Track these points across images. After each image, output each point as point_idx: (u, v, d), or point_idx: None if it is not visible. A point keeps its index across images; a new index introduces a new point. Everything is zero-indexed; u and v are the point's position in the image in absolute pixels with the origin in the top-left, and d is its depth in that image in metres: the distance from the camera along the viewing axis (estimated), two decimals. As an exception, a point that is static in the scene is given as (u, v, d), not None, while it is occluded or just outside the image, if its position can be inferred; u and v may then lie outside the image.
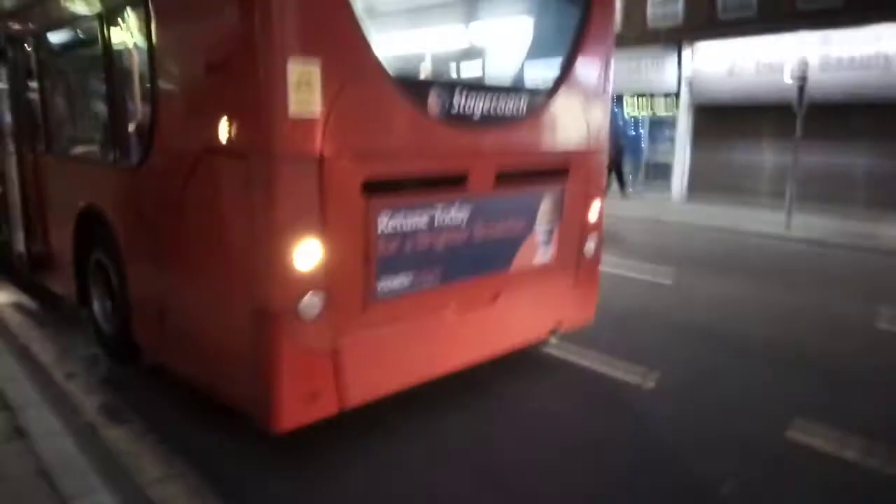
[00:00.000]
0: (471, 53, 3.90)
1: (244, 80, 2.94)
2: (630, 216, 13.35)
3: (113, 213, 4.37)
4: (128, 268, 4.27)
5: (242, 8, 2.93)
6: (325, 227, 3.07)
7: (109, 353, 4.81)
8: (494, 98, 3.87)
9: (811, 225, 13.18)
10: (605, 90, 4.65)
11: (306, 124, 2.94)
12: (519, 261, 4.23)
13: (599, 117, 4.65)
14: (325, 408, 3.30)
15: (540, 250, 4.37)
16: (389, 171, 3.38)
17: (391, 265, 3.45)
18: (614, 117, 18.57)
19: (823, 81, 14.13)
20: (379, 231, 3.33)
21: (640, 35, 18.38)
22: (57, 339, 5.21)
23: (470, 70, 3.91)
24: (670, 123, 18.59)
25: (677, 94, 18.03)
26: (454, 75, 3.92)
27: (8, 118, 6.00)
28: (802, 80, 12.99)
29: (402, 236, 3.46)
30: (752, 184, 16.66)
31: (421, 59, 4.28)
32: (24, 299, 6.34)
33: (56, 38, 5.04)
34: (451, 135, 3.65)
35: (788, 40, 15.36)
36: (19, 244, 6.24)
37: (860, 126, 14.96)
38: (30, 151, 5.74)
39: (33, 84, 5.48)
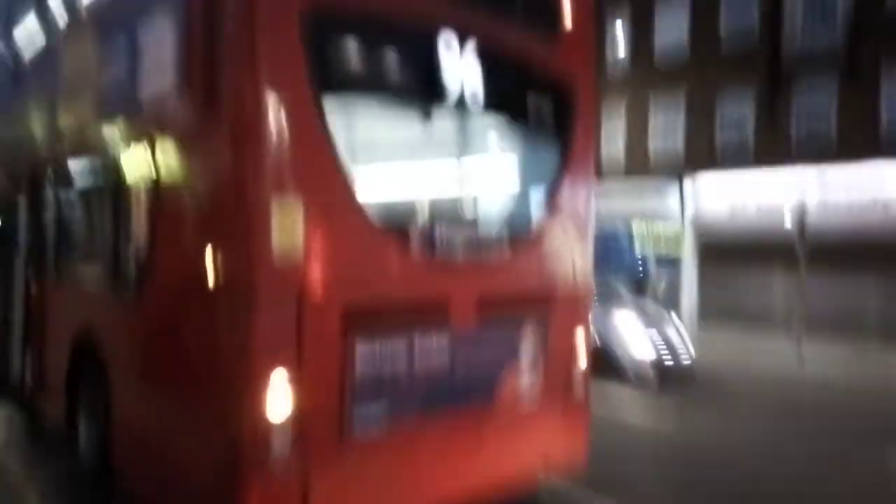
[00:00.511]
0: (452, 192, 4.12)
1: (231, 222, 3.12)
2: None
3: (105, 337, 4.44)
4: (114, 391, 4.28)
5: (233, 155, 3.17)
6: (301, 366, 3.09)
7: (88, 479, 4.69)
8: (476, 236, 4.02)
9: (825, 362, 12.90)
10: (587, 229, 4.78)
11: (289, 266, 3.06)
12: (502, 399, 4.17)
13: (582, 256, 4.74)
14: None
15: (524, 389, 4.31)
16: (369, 310, 3.44)
17: (368, 401, 3.42)
18: (622, 251, 18.97)
19: (824, 225, 14.48)
20: (357, 368, 3.34)
21: (644, 172, 19.31)
22: (39, 466, 5.11)
23: (452, 209, 4.10)
24: (677, 260, 18.90)
25: (682, 235, 18.50)
26: (436, 214, 4.12)
27: (21, 246, 6.31)
28: (802, 225, 13.28)
29: (381, 372, 3.46)
30: (762, 319, 16.61)
31: (403, 199, 4.50)
32: (14, 423, 6.29)
33: (71, 172, 5.41)
34: (432, 272, 3.76)
35: (786, 177, 15.97)
36: (16, 366, 6.30)
37: (866, 264, 15.12)
38: (36, 276, 5.95)
39: (46, 215, 5.80)
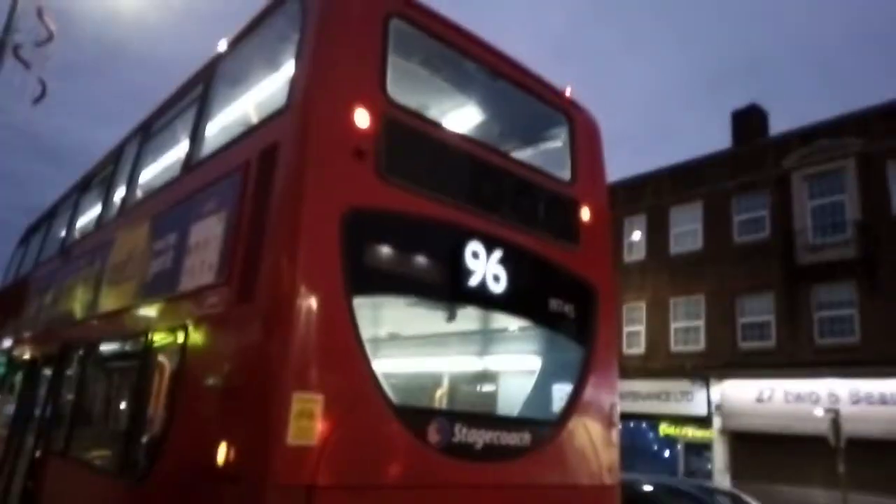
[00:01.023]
0: (474, 384, 4.05)
1: (249, 413, 3.10)
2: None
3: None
4: None
5: (261, 346, 3.23)
6: None
7: None
8: (498, 429, 3.85)
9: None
10: (613, 422, 4.58)
11: (302, 453, 2.97)
12: None
13: (609, 449, 4.48)
14: None
15: None
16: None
17: None
18: (653, 458, 18.20)
19: (857, 414, 13.76)
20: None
21: (666, 366, 18.95)
22: None
23: (473, 400, 4.00)
24: (706, 447, 17.97)
25: (709, 419, 17.77)
26: (457, 405, 4.00)
27: (35, 420, 6.26)
28: (835, 412, 12.64)
29: None
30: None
31: (424, 388, 4.41)
32: None
33: (99, 353, 5.51)
34: (450, 467, 3.56)
35: (815, 388, 15.28)
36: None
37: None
38: (44, 453, 5.81)
39: (66, 392, 5.80)
